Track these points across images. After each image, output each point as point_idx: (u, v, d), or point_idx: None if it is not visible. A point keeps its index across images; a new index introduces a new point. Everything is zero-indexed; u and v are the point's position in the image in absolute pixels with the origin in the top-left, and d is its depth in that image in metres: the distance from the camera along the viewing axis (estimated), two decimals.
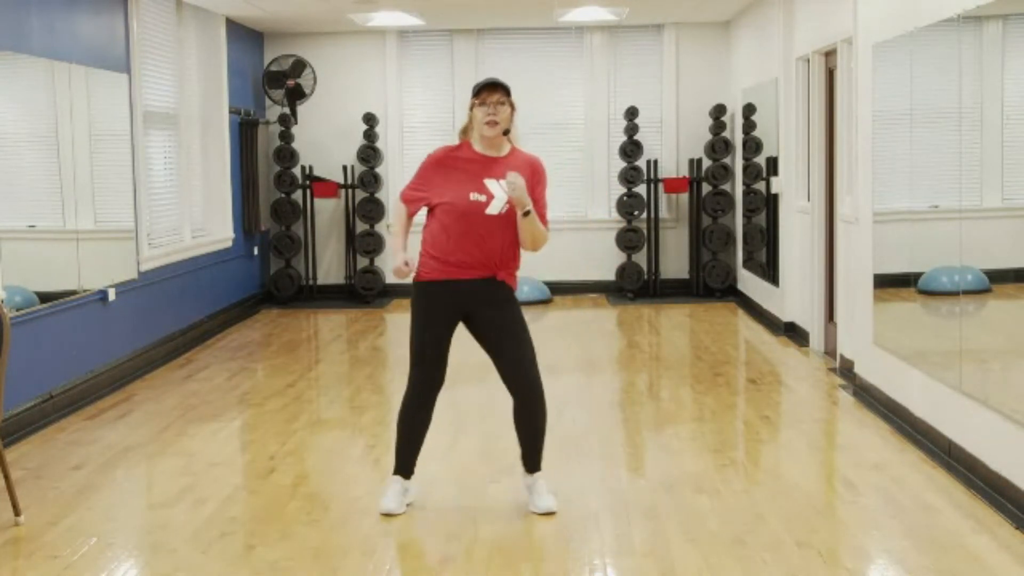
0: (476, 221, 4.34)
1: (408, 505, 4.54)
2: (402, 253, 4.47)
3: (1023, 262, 4.61)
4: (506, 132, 4.41)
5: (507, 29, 10.96)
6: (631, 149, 10.61)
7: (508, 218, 4.35)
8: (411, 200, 4.56)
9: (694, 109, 10.84)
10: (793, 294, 8.37)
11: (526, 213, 4.29)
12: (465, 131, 4.52)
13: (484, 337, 4.49)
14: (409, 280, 4.51)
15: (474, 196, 4.35)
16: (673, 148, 10.97)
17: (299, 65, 10.63)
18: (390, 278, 11.05)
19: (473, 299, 4.41)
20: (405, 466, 4.55)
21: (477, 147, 4.46)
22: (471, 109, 4.43)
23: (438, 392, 4.53)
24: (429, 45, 11.08)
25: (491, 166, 4.40)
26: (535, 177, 4.43)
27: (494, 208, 4.33)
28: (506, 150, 4.46)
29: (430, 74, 11.11)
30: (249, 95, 10.56)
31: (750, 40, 9.78)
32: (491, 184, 4.37)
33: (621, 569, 3.94)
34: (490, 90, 4.38)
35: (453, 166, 4.45)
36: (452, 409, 6.50)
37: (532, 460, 4.57)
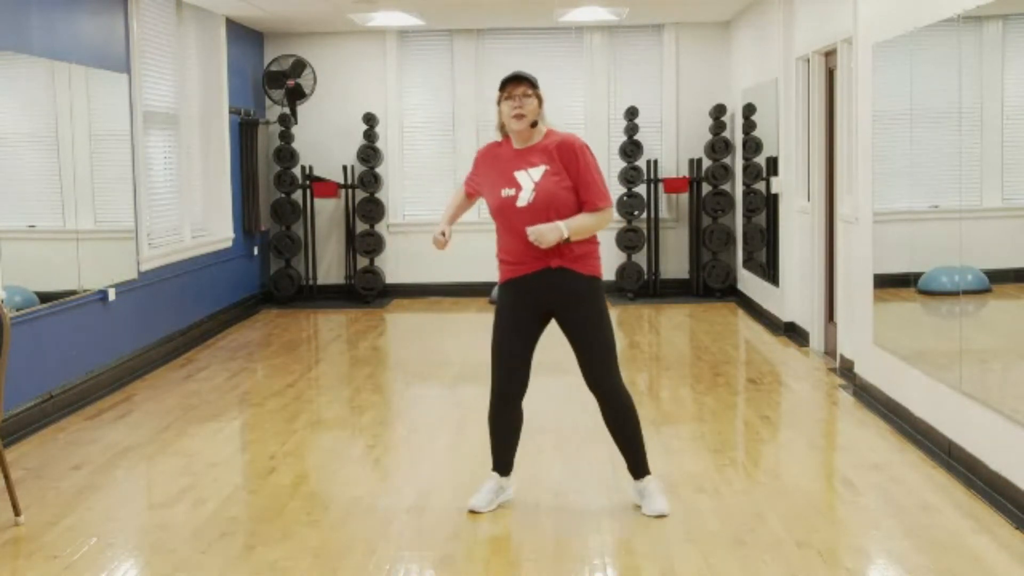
0: (511, 216, 4.33)
1: (502, 504, 4.54)
2: (443, 224, 4.51)
3: (1023, 262, 4.61)
4: (534, 124, 4.37)
5: (507, 29, 10.96)
6: (631, 149, 10.61)
7: (538, 208, 4.28)
8: (467, 183, 4.65)
9: (694, 109, 10.84)
10: (793, 294, 8.37)
11: (566, 241, 4.26)
12: (502, 128, 4.48)
13: (565, 333, 4.49)
14: (439, 252, 4.62)
15: (505, 192, 4.34)
16: (673, 148, 10.97)
17: (299, 65, 10.63)
18: (390, 278, 11.06)
19: (546, 294, 4.38)
20: (501, 463, 4.57)
21: (514, 142, 4.43)
22: (499, 104, 4.40)
23: (521, 395, 4.51)
24: (429, 45, 11.08)
25: (523, 157, 4.38)
26: (568, 158, 4.33)
27: (523, 200, 4.30)
28: (539, 138, 4.40)
29: (430, 74, 11.11)
30: (249, 95, 10.56)
31: (750, 40, 9.78)
32: (520, 175, 4.34)
33: (621, 569, 3.94)
34: (515, 83, 4.35)
35: (493, 163, 4.46)
36: (453, 409, 6.50)
37: (633, 465, 4.54)
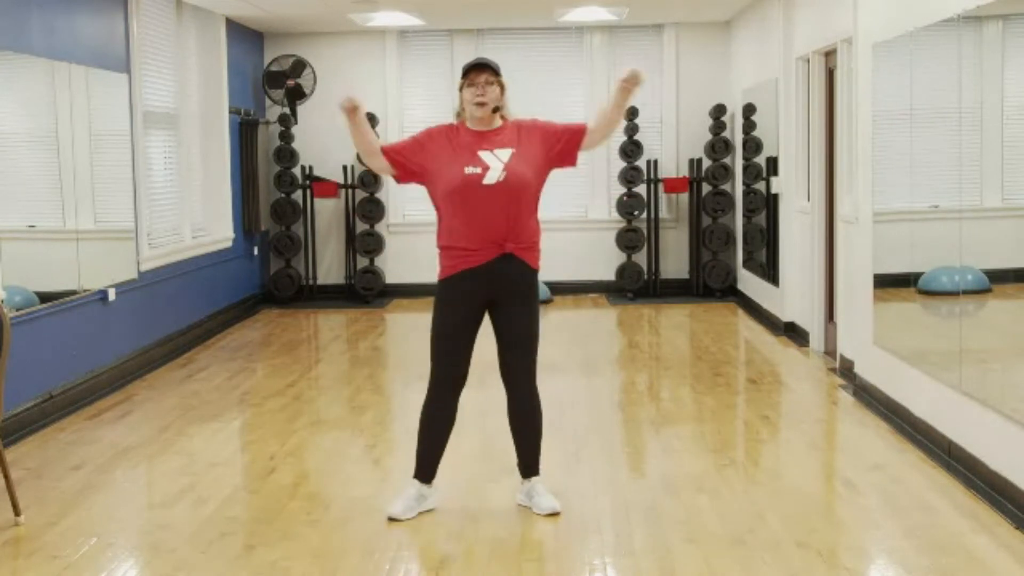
0: (475, 194, 4.27)
1: (427, 511, 4.48)
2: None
3: (1023, 262, 4.61)
4: (496, 110, 4.37)
5: (507, 29, 10.96)
6: (631, 149, 10.61)
7: (507, 187, 4.27)
8: (388, 147, 4.46)
9: (694, 109, 10.84)
10: (793, 294, 8.37)
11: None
12: (460, 114, 4.47)
13: (495, 327, 4.44)
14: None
15: (469, 169, 4.28)
16: (673, 148, 10.97)
17: (299, 65, 10.63)
18: (390, 278, 11.05)
19: (489, 286, 4.33)
20: (424, 471, 4.51)
21: (471, 126, 4.40)
22: (460, 91, 4.39)
23: (459, 392, 4.48)
24: (429, 45, 11.08)
25: (484, 139, 4.35)
26: (530, 133, 4.40)
27: (490, 178, 4.27)
28: (498, 124, 4.41)
29: (430, 74, 11.11)
30: (249, 95, 10.56)
31: (750, 40, 9.78)
32: (485, 155, 4.31)
33: (621, 569, 3.94)
34: (478, 71, 4.34)
35: (448, 144, 4.38)
36: None
37: (529, 464, 4.55)
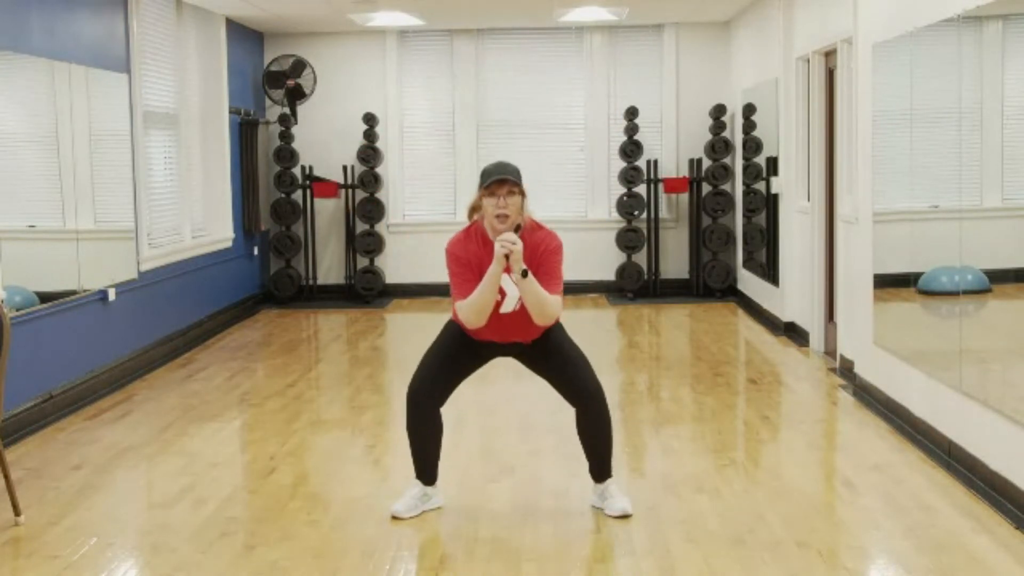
0: (493, 319, 4.31)
1: (431, 510, 4.49)
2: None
3: (1023, 262, 4.61)
4: (517, 228, 4.24)
5: (507, 29, 10.96)
6: (631, 149, 10.61)
7: (524, 311, 4.29)
8: (460, 293, 4.32)
9: (694, 109, 10.84)
10: (793, 294, 8.37)
11: (524, 274, 4.12)
12: (474, 210, 4.37)
13: (535, 371, 4.51)
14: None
15: None
16: (673, 148, 10.97)
17: (299, 65, 10.63)
18: (390, 278, 11.05)
19: (508, 353, 4.47)
20: (423, 474, 4.52)
21: (489, 235, 4.30)
22: (480, 195, 4.30)
23: (439, 406, 4.49)
24: (429, 45, 11.08)
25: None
26: (544, 255, 4.29)
27: (507, 307, 4.30)
28: (521, 230, 4.28)
29: (430, 74, 11.11)
30: (249, 95, 10.56)
31: (750, 40, 9.78)
32: (504, 281, 4.26)
33: (621, 569, 3.94)
34: (499, 183, 4.24)
35: (468, 261, 4.31)
36: (452, 408, 6.49)
37: (602, 468, 4.53)
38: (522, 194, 4.29)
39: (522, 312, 4.31)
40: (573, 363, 4.44)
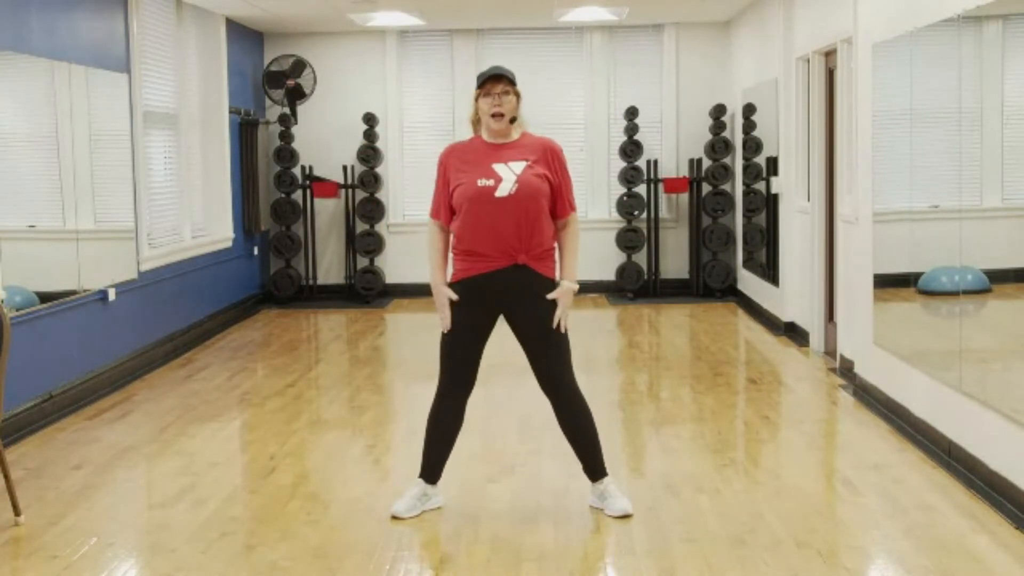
0: (486, 206, 4.29)
1: (432, 510, 4.49)
2: (440, 287, 4.39)
3: (1023, 262, 4.61)
4: (513, 120, 4.38)
5: (507, 29, 10.96)
6: (631, 149, 10.61)
7: (519, 200, 4.28)
8: (437, 211, 4.46)
9: (694, 109, 10.84)
10: (793, 294, 8.37)
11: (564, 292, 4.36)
12: (475, 122, 4.48)
13: (517, 335, 4.45)
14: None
15: (482, 182, 4.30)
16: (673, 148, 10.97)
17: (299, 65, 10.63)
18: (390, 278, 11.05)
19: (503, 294, 4.35)
20: (429, 471, 4.51)
21: (487, 137, 4.43)
22: (476, 100, 4.40)
23: (468, 395, 4.47)
24: (429, 45, 11.08)
25: (499, 151, 4.37)
26: (552, 160, 4.39)
27: (503, 190, 4.28)
28: (516, 135, 4.43)
29: (430, 74, 11.11)
30: (249, 95, 10.56)
31: (750, 40, 9.78)
32: (499, 167, 4.32)
33: (621, 569, 3.94)
34: (493, 81, 4.34)
35: (464, 158, 4.41)
36: None
37: (592, 468, 4.51)
38: (516, 95, 4.38)
39: (518, 197, 4.29)
40: (555, 349, 4.38)
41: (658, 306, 10.29)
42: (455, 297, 4.36)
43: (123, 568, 4.07)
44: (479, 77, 4.41)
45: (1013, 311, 4.75)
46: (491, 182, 4.30)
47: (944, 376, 5.11)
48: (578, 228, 4.48)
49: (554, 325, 4.32)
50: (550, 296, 4.33)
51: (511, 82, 4.37)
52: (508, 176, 4.31)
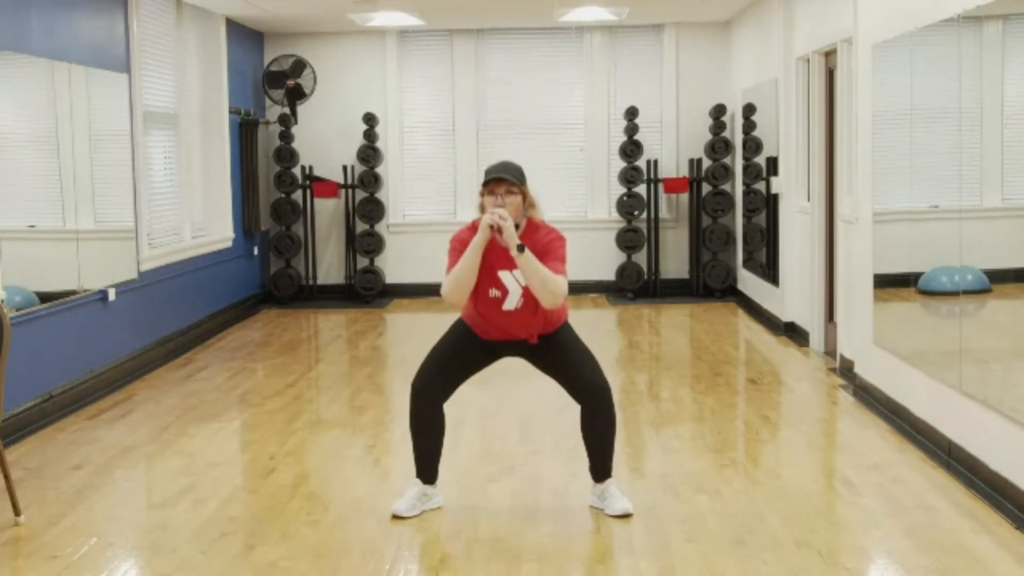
0: (496, 315, 4.34)
1: (432, 510, 4.50)
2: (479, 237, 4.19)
3: (1023, 262, 4.61)
4: (518, 226, 4.27)
5: (507, 29, 10.96)
6: (631, 149, 10.61)
7: (526, 311, 4.32)
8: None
9: (694, 109, 10.84)
10: (793, 294, 8.37)
11: (520, 249, 4.12)
12: (482, 210, 4.35)
13: (543, 370, 4.51)
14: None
15: (492, 293, 4.31)
16: (673, 148, 10.97)
17: (299, 65, 10.63)
18: (390, 278, 11.05)
19: (517, 351, 4.46)
20: (424, 471, 4.52)
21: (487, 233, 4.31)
22: (481, 196, 4.33)
23: (442, 403, 4.50)
24: (429, 45, 11.08)
25: (504, 256, 4.25)
26: (547, 244, 4.27)
27: (510, 304, 4.31)
28: (522, 226, 4.31)
29: (430, 74, 11.11)
30: (249, 95, 10.56)
31: (750, 40, 9.78)
32: (505, 277, 4.29)
33: (621, 569, 3.94)
34: (497, 182, 4.27)
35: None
36: (452, 408, 6.49)
37: (603, 468, 4.52)
38: (522, 194, 4.30)
39: (525, 310, 4.32)
40: (580, 360, 4.43)
41: (658, 306, 10.29)
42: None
43: (123, 568, 4.07)
44: (485, 173, 4.33)
45: (1013, 311, 4.75)
46: (499, 293, 4.31)
47: (944, 376, 5.11)
48: (555, 279, 4.16)
49: (488, 222, 4.14)
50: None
51: (516, 183, 4.27)
52: (514, 289, 4.30)
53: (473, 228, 4.30)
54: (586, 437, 4.51)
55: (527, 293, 4.28)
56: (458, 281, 4.25)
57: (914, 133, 5.67)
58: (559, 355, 4.44)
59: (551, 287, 4.15)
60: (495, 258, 4.29)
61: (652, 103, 10.95)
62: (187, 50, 8.96)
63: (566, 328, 4.48)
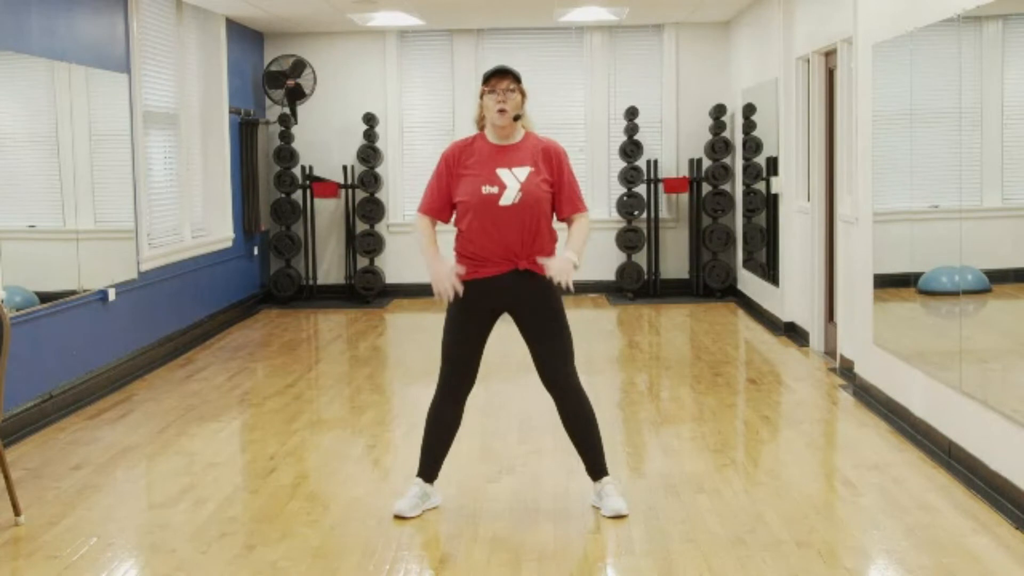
0: (490, 213, 4.29)
1: (430, 509, 4.50)
2: (438, 263, 4.38)
3: (1023, 262, 4.61)
4: (517, 118, 4.37)
5: (507, 29, 10.96)
6: (631, 149, 10.61)
7: (524, 207, 4.29)
8: (427, 207, 4.54)
9: (694, 109, 10.84)
10: (793, 294, 8.37)
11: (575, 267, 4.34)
12: (479, 120, 4.46)
13: (522, 332, 4.46)
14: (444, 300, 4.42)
15: (487, 189, 4.30)
16: (673, 148, 10.97)
17: (299, 65, 10.63)
18: (390, 278, 11.05)
19: (505, 296, 4.36)
20: (427, 470, 4.51)
21: (491, 137, 4.41)
22: (481, 97, 4.38)
23: (467, 394, 4.48)
24: (429, 45, 11.08)
25: (504, 154, 4.36)
26: (554, 161, 4.39)
27: (507, 199, 4.29)
28: (519, 136, 4.42)
29: (430, 74, 11.11)
30: (249, 95, 10.56)
31: (750, 40, 9.78)
32: (503, 174, 4.32)
33: (621, 569, 3.94)
34: (499, 77, 4.33)
35: (466, 160, 4.40)
36: None
37: (593, 467, 4.51)
38: (522, 93, 4.38)
39: (522, 205, 4.29)
40: (553, 346, 4.38)
41: (658, 306, 10.29)
42: (461, 271, 4.34)
43: (123, 568, 4.07)
44: (485, 74, 4.40)
45: (1013, 311, 4.75)
46: (495, 189, 4.30)
47: (944, 376, 5.11)
48: (587, 224, 4.47)
49: (556, 280, 4.28)
50: (546, 266, 4.30)
51: (516, 79, 4.36)
52: (512, 184, 4.31)
53: (469, 141, 4.43)
54: (567, 434, 4.51)
55: (525, 188, 4.29)
56: (419, 243, 4.54)
57: (914, 133, 5.68)
58: (543, 324, 4.37)
59: (588, 233, 4.51)
60: (488, 158, 4.35)
61: (652, 103, 10.95)
62: (187, 50, 8.97)
63: (554, 293, 4.38)
